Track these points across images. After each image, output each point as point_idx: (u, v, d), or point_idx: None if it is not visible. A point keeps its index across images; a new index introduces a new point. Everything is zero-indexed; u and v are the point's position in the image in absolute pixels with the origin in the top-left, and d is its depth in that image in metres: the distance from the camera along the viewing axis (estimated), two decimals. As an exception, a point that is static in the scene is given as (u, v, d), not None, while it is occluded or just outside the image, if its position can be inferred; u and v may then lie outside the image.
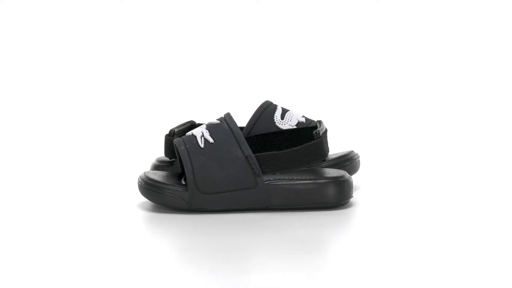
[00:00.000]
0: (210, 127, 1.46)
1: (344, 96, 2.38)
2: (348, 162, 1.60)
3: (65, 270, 1.16)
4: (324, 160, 1.55)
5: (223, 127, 1.45)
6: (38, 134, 2.18)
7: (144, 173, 1.48)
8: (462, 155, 1.99)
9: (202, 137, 1.45)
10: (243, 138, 1.44)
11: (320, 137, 1.43)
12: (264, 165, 1.42)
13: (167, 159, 1.61)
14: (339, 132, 1.81)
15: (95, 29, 2.39)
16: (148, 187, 1.45)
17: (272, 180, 1.43)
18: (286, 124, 1.57)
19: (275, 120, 1.58)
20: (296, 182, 1.43)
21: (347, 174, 1.47)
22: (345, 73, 2.42)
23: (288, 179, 1.43)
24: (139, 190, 1.47)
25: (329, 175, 1.45)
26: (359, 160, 1.63)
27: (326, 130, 1.45)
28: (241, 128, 1.58)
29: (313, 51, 2.42)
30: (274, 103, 1.61)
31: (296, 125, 1.57)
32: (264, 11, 2.41)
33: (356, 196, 1.55)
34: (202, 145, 1.44)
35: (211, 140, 1.44)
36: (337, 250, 1.27)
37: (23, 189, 1.68)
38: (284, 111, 1.59)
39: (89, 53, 2.38)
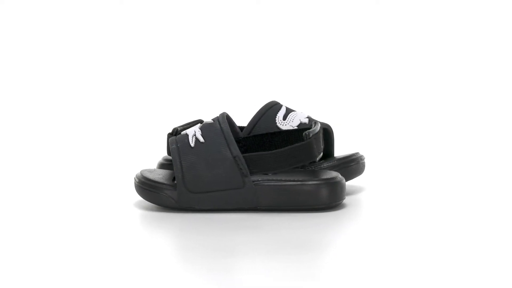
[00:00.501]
0: (203, 127, 1.47)
1: (353, 98, 2.36)
2: (353, 163, 1.58)
3: (58, 265, 1.18)
4: (314, 162, 1.54)
5: (215, 127, 1.46)
6: (48, 135, 2.21)
7: (140, 171, 1.50)
8: (468, 158, 1.94)
9: (194, 136, 1.46)
10: (232, 138, 1.44)
11: (310, 138, 1.42)
12: (252, 166, 1.43)
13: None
14: (345, 133, 1.79)
15: (102, 30, 2.42)
16: (140, 185, 1.47)
17: (260, 180, 1.43)
18: (287, 125, 1.57)
19: (276, 121, 1.57)
20: (284, 183, 1.43)
21: (339, 176, 1.45)
22: (354, 75, 2.39)
23: (277, 180, 1.43)
24: (134, 188, 1.49)
25: (320, 177, 1.44)
26: (364, 162, 1.61)
27: (318, 131, 1.44)
28: (242, 128, 1.58)
29: (320, 52, 2.41)
30: (280, 103, 1.60)
31: (297, 126, 1.56)
32: (270, 13, 2.41)
33: (357, 198, 1.54)
34: (192, 145, 1.45)
35: (201, 139, 1.45)
36: (335, 250, 1.26)
37: (28, 185, 1.72)
38: (288, 112, 1.59)
39: (98, 54, 2.41)
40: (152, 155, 1.73)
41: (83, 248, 1.26)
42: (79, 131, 2.22)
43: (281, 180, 1.43)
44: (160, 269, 1.16)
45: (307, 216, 1.41)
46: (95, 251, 1.25)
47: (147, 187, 1.46)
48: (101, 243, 1.29)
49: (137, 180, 1.48)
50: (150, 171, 1.51)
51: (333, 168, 1.56)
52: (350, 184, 1.63)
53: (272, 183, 1.43)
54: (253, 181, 1.42)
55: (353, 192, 1.59)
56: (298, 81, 2.37)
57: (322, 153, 1.47)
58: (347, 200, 1.52)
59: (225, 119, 1.47)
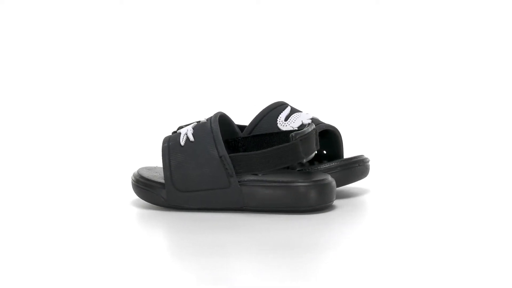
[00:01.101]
0: (196, 126, 1.48)
1: (363, 101, 2.31)
2: (356, 164, 1.56)
3: (53, 261, 1.20)
4: (304, 163, 1.52)
5: (206, 126, 1.47)
6: (57, 136, 2.24)
7: (138, 169, 1.52)
8: (474, 164, 1.88)
9: (185, 135, 1.47)
10: (221, 138, 1.44)
11: (296, 140, 1.41)
12: (238, 166, 1.43)
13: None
14: (356, 136, 1.77)
15: (104, 31, 2.43)
16: (134, 182, 1.50)
17: (246, 181, 1.43)
18: (288, 126, 1.56)
19: (278, 121, 1.57)
20: (272, 184, 1.42)
21: (329, 178, 1.44)
22: (362, 77, 2.35)
23: (265, 181, 1.42)
24: (131, 185, 1.52)
25: (310, 178, 1.43)
26: (368, 165, 1.58)
27: (308, 133, 1.43)
28: (242, 128, 1.58)
29: (329, 53, 2.37)
30: (287, 103, 1.60)
31: (298, 127, 1.55)
32: (277, 13, 2.39)
33: (359, 200, 1.53)
34: (182, 143, 1.47)
35: (192, 138, 1.46)
36: (329, 251, 1.26)
37: (29, 182, 1.76)
38: (293, 113, 1.58)
39: (102, 54, 2.42)
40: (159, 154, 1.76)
41: (77, 247, 1.28)
42: (87, 132, 2.25)
43: (269, 181, 1.42)
44: (154, 267, 1.17)
45: (300, 217, 1.40)
46: (88, 249, 1.27)
47: (141, 185, 1.48)
48: (95, 240, 1.31)
49: (133, 178, 1.50)
50: (148, 169, 1.53)
51: (335, 168, 1.54)
52: (352, 186, 1.61)
53: (259, 184, 1.42)
54: (241, 182, 1.43)
55: (354, 194, 1.58)
56: (308, 82, 2.35)
57: (313, 155, 1.45)
58: (347, 201, 1.51)
59: (216, 119, 1.48)
